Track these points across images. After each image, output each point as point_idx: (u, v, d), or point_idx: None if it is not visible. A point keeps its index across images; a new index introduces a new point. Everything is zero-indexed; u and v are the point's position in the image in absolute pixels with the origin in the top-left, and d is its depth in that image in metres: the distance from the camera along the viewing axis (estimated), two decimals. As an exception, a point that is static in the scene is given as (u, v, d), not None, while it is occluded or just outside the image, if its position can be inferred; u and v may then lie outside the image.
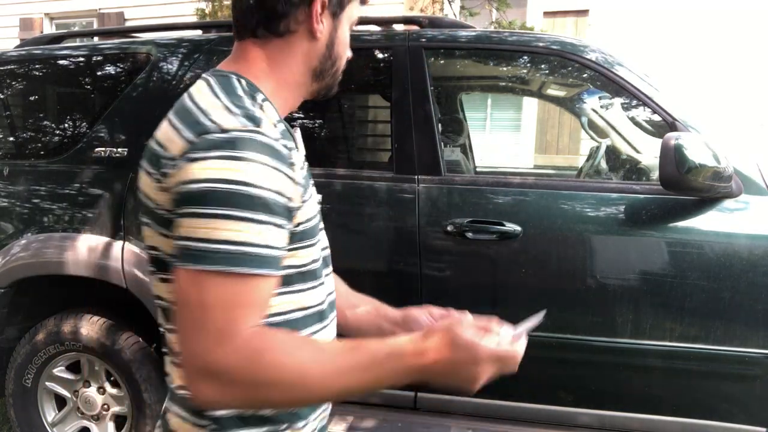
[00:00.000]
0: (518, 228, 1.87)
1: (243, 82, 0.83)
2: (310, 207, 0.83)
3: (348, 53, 0.93)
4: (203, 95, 0.79)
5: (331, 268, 0.96)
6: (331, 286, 0.94)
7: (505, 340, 0.78)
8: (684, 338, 1.84)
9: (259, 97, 0.81)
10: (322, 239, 0.92)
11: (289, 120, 0.92)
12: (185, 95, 0.82)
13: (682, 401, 1.90)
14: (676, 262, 1.84)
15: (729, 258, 1.80)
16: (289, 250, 0.79)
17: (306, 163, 0.90)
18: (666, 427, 1.92)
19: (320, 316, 0.88)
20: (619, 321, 1.86)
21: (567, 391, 1.97)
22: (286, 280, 0.80)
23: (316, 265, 0.86)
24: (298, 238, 0.80)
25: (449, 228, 1.92)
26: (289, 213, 0.76)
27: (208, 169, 0.70)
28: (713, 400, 1.89)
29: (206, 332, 0.70)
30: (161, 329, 0.86)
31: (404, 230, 1.97)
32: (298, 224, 0.80)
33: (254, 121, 0.75)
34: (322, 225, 0.92)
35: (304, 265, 0.83)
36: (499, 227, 1.90)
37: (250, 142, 0.72)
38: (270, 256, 0.73)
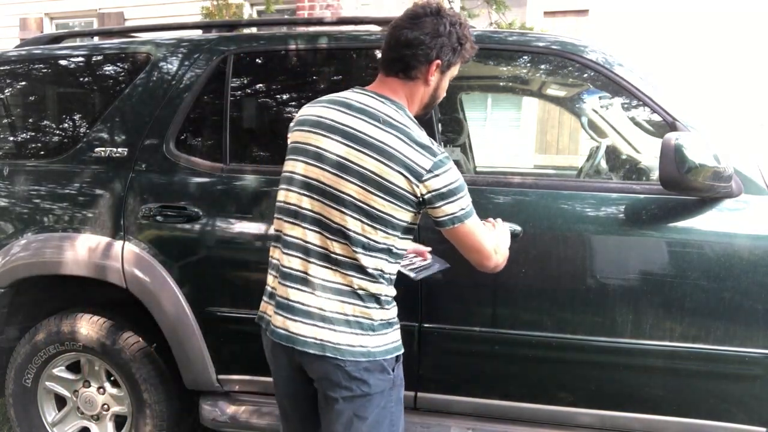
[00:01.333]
0: (518, 228, 1.87)
1: (409, 113, 1.45)
2: None
3: (443, 93, 1.54)
4: (416, 128, 1.41)
5: None
6: None
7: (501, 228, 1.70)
8: (684, 338, 1.84)
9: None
10: None
11: None
12: (407, 128, 1.39)
13: (682, 401, 1.90)
14: (677, 262, 1.84)
15: (729, 258, 1.80)
16: None
17: None
18: (666, 427, 1.92)
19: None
20: (619, 321, 1.86)
21: (567, 391, 1.97)
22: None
23: None
24: None
25: (449, 228, 1.91)
26: None
27: (450, 176, 1.38)
28: (713, 400, 1.89)
29: (488, 246, 1.49)
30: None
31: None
32: None
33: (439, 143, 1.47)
34: None
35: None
36: (499, 227, 1.89)
37: (449, 158, 1.40)
38: None
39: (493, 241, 1.50)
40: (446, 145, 3.04)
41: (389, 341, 1.46)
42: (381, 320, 1.44)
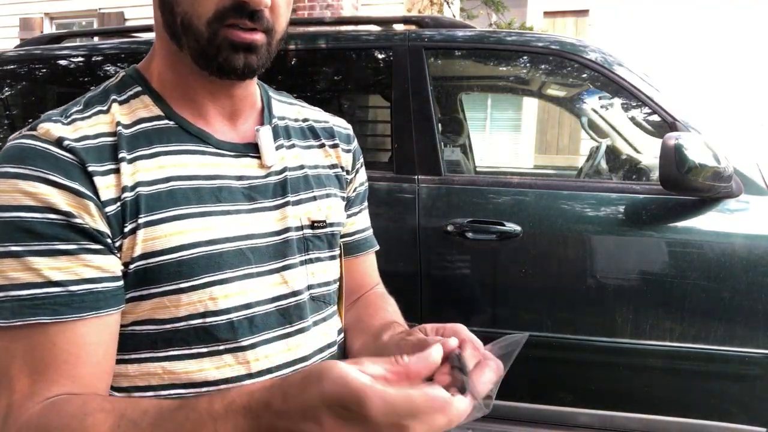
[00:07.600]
0: (518, 228, 1.87)
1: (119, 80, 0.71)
2: (160, 237, 0.61)
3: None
4: None
5: (280, 331, 0.69)
6: (273, 359, 0.67)
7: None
8: (684, 338, 1.84)
9: (123, 95, 0.68)
10: (252, 287, 0.67)
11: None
12: None
13: (682, 401, 1.90)
14: (677, 262, 1.84)
15: (729, 258, 1.80)
16: (128, 298, 0.61)
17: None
18: (666, 427, 1.92)
19: None
20: (619, 321, 1.86)
21: (567, 391, 1.97)
22: (138, 343, 0.63)
23: (209, 322, 0.63)
24: (139, 278, 0.61)
25: (449, 228, 1.92)
26: (83, 234, 0.58)
27: None
28: (713, 400, 1.88)
29: None
30: None
31: (404, 230, 1.97)
32: (135, 257, 0.60)
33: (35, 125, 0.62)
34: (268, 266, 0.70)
35: (171, 321, 0.62)
36: (499, 227, 1.90)
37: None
38: (50, 295, 0.55)
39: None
40: (446, 145, 3.04)
41: None
42: None
